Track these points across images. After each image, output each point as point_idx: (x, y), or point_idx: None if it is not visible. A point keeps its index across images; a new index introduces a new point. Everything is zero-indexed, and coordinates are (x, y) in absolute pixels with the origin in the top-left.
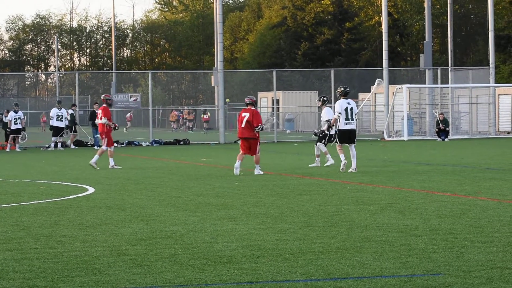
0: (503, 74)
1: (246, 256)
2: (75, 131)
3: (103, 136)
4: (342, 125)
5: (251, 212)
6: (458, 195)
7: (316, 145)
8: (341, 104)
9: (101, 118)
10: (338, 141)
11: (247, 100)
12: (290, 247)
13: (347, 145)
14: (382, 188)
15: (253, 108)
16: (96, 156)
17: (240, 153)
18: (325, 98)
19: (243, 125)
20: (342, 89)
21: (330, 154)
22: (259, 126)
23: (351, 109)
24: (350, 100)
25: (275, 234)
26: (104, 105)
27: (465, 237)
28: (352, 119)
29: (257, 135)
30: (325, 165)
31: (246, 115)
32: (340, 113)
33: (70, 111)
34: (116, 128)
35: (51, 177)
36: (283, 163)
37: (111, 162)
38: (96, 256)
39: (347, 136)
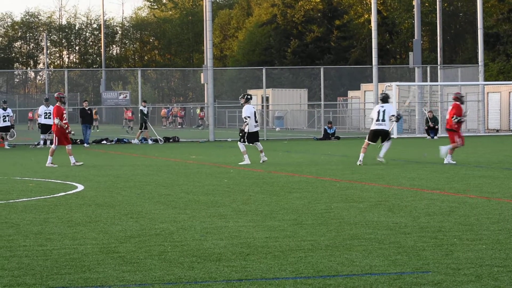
0: (492, 72)
1: (235, 253)
2: (145, 127)
3: (55, 134)
4: (374, 125)
5: (240, 210)
6: (447, 192)
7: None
8: (374, 108)
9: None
10: (368, 138)
11: (453, 96)
12: (280, 244)
13: (373, 143)
14: (372, 185)
15: (457, 102)
16: (49, 158)
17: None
18: (248, 96)
19: (447, 117)
20: (382, 94)
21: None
22: (454, 117)
23: (384, 111)
24: (385, 104)
25: (264, 232)
26: (58, 103)
27: (454, 235)
28: (383, 120)
29: (455, 126)
30: (240, 163)
31: (448, 109)
32: (373, 118)
33: (140, 107)
34: (70, 132)
35: (40, 174)
36: (273, 161)
37: (49, 160)
38: (85, 254)
39: (377, 135)
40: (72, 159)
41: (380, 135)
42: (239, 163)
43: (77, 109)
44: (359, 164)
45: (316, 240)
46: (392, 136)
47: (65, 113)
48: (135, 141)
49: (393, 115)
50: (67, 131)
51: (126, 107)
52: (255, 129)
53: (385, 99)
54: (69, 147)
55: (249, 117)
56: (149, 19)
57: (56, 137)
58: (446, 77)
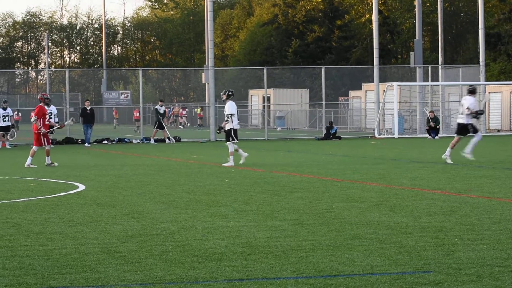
0: (493, 72)
1: (236, 253)
2: (159, 126)
3: (35, 135)
4: (459, 119)
5: (242, 210)
6: (449, 192)
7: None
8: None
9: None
10: (455, 132)
11: None
12: (281, 244)
13: (461, 136)
14: (373, 185)
15: None
16: (47, 158)
17: None
18: (230, 93)
19: None
20: (470, 86)
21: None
22: None
23: (463, 104)
24: (467, 96)
25: (266, 232)
26: (41, 104)
27: (455, 235)
28: (462, 113)
29: None
30: (224, 164)
31: None
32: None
33: (157, 106)
34: (41, 131)
35: (41, 174)
36: (274, 161)
37: (48, 160)
38: (86, 253)
39: (460, 129)
40: (29, 160)
41: (462, 128)
42: (223, 164)
43: (78, 109)
44: (444, 158)
45: (317, 240)
46: (471, 131)
47: (47, 114)
48: (168, 141)
49: (467, 108)
50: (40, 131)
51: (115, 107)
52: (238, 126)
53: (470, 91)
54: (35, 148)
55: (233, 114)
56: (150, 19)
57: (44, 138)
58: (447, 77)
